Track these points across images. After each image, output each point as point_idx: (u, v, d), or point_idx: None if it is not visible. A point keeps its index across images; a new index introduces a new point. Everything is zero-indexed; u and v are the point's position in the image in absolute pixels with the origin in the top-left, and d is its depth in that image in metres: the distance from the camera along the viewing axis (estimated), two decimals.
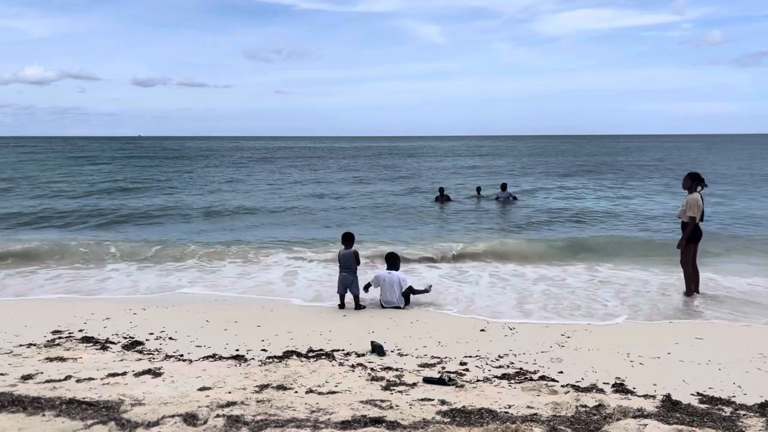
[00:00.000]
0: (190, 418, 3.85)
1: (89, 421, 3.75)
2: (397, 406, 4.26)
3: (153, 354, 6.15)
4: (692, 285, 9.03)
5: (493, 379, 5.29)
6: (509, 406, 4.34)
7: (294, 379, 5.02)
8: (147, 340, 6.79)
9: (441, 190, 22.62)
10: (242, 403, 4.23)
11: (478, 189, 23.62)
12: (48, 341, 6.59)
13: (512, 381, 5.22)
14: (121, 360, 5.80)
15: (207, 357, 6.06)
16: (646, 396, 4.81)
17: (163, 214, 19.26)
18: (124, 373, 5.11)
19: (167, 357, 6.03)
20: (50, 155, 64.03)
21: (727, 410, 4.44)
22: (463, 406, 4.25)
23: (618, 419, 3.98)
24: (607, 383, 5.23)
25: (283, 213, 19.87)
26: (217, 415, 3.91)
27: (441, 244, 13.01)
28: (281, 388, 4.73)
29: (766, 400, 4.70)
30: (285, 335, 6.99)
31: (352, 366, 5.62)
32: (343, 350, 6.35)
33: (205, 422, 3.80)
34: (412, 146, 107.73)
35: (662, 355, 6.19)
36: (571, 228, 16.25)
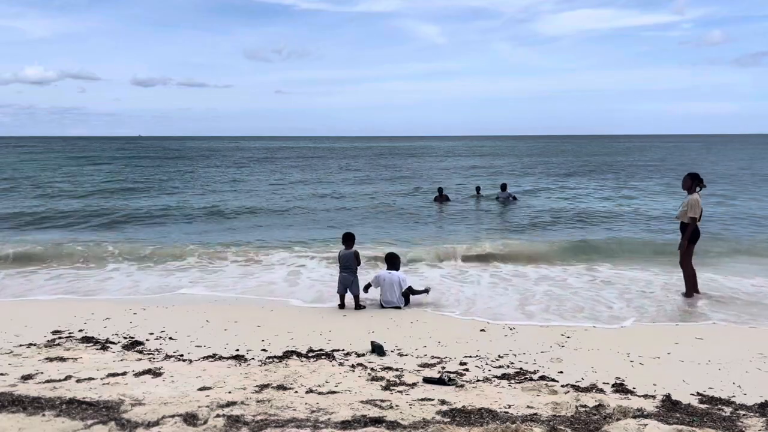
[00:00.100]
0: (190, 418, 3.85)
1: (89, 421, 3.75)
2: (397, 406, 4.26)
3: (153, 354, 6.15)
4: (692, 285, 9.02)
5: (493, 379, 5.29)
6: (509, 406, 4.34)
7: (294, 379, 5.02)
8: (147, 340, 6.79)
9: (440, 190, 22.60)
10: (242, 403, 4.23)
11: (478, 189, 23.61)
12: (48, 341, 6.59)
13: (512, 381, 5.22)
14: (121, 360, 5.80)
15: (207, 357, 6.06)
16: (646, 396, 4.81)
17: (164, 214, 19.26)
18: (124, 373, 5.11)
19: (167, 357, 6.03)
20: (50, 155, 64.06)
21: (727, 410, 4.44)
22: (463, 406, 4.25)
23: (618, 419, 3.98)
24: (607, 383, 5.23)
25: (284, 213, 19.86)
26: (217, 415, 3.92)
27: (444, 245, 12.90)
28: (281, 388, 4.73)
29: (766, 400, 4.70)
30: (285, 335, 6.99)
31: (352, 366, 5.62)
32: (343, 350, 6.35)
33: (205, 422, 3.80)
34: (412, 146, 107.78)
35: (662, 355, 6.19)
36: (572, 228, 16.24)
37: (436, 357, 6.12)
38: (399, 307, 8.46)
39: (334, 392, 4.65)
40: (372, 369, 5.54)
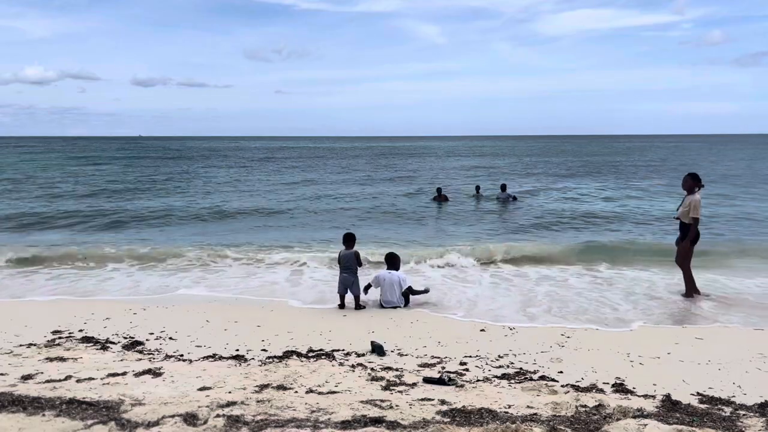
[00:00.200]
0: (190, 418, 3.86)
1: (89, 421, 3.75)
2: (397, 406, 4.26)
3: (153, 354, 6.15)
4: (691, 286, 9.00)
5: (493, 379, 5.29)
6: (509, 406, 4.34)
7: (294, 379, 5.02)
8: (147, 340, 6.79)
9: (439, 190, 22.60)
10: (242, 403, 4.23)
11: (477, 188, 23.61)
12: (48, 341, 6.59)
13: (512, 381, 5.22)
14: (121, 360, 5.80)
15: (207, 357, 6.06)
16: (646, 396, 4.81)
17: (165, 214, 19.26)
18: (124, 373, 5.11)
19: (167, 357, 6.03)
20: (51, 155, 64.07)
21: (727, 410, 4.44)
22: (463, 406, 4.25)
23: (618, 419, 3.98)
24: (607, 383, 5.23)
25: (285, 213, 19.86)
26: (217, 415, 3.92)
27: (445, 247, 12.81)
28: (281, 388, 4.73)
29: (766, 400, 4.70)
30: (285, 335, 6.99)
31: (352, 366, 5.62)
32: (343, 350, 6.35)
33: (205, 422, 3.80)
34: (412, 146, 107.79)
35: (662, 355, 6.19)
36: (573, 229, 16.23)
37: (436, 357, 6.12)
38: (399, 307, 8.45)
39: (334, 392, 4.65)
40: (372, 369, 5.53)
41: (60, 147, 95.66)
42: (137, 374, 5.09)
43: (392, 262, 8.87)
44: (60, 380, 4.83)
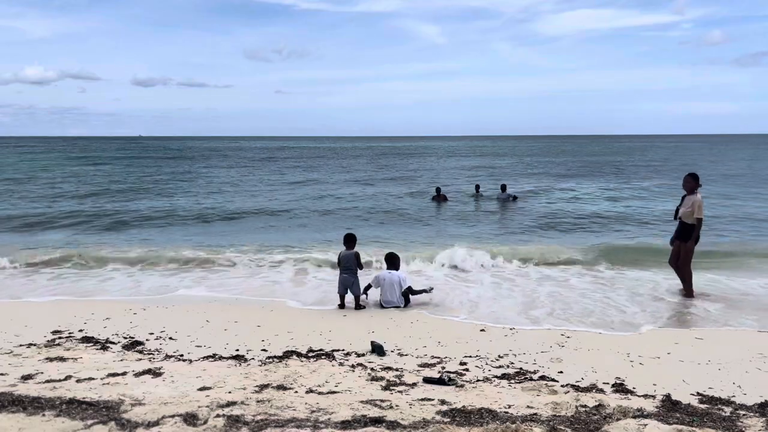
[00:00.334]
0: (190, 418, 3.86)
1: (89, 421, 3.75)
2: (397, 406, 4.26)
3: (153, 354, 6.15)
4: (689, 285, 8.98)
5: (493, 379, 5.29)
6: (509, 406, 4.34)
7: (294, 379, 5.02)
8: (147, 340, 6.79)
9: (438, 189, 22.59)
10: (242, 403, 4.23)
11: (477, 187, 23.61)
12: (48, 341, 6.59)
13: (512, 381, 5.22)
14: (121, 360, 5.80)
15: (207, 357, 6.06)
16: (646, 396, 4.81)
17: (166, 215, 19.26)
18: (124, 373, 5.11)
19: (167, 357, 6.03)
20: (51, 155, 64.09)
21: (727, 410, 4.44)
22: (463, 406, 4.25)
23: (618, 419, 3.98)
24: (607, 383, 5.23)
25: (286, 214, 19.85)
26: (217, 415, 3.92)
27: (446, 247, 12.76)
28: (281, 388, 4.73)
29: (766, 400, 4.70)
30: (285, 335, 6.99)
31: (352, 366, 5.62)
32: (343, 350, 6.35)
33: (205, 422, 3.80)
34: (412, 146, 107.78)
35: (662, 355, 6.19)
36: (574, 229, 16.23)
37: (436, 357, 6.12)
38: (399, 307, 8.45)
39: (334, 392, 4.65)
40: (372, 369, 5.53)
41: (60, 147, 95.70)
42: (137, 374, 5.09)
43: (392, 261, 8.87)
44: (60, 380, 4.83)
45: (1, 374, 5.08)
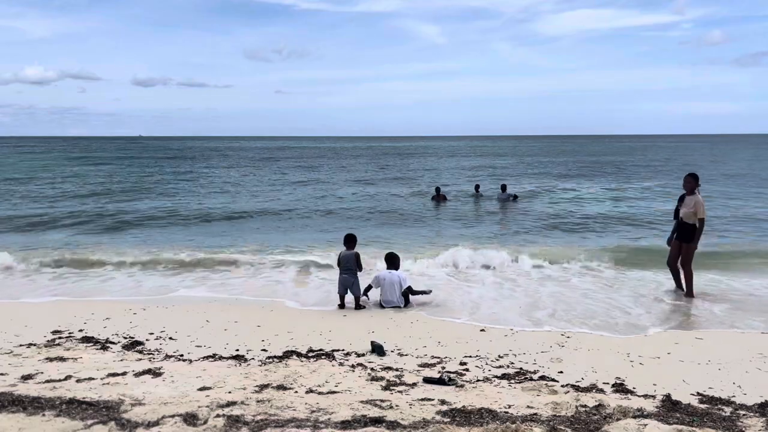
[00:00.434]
0: (190, 418, 3.86)
1: (89, 421, 3.75)
2: (397, 406, 4.26)
3: (153, 354, 6.15)
4: (689, 285, 8.96)
5: (493, 379, 5.29)
6: (509, 406, 4.34)
7: (294, 379, 5.02)
8: (147, 340, 6.79)
9: (437, 189, 22.58)
10: (242, 403, 4.23)
11: (477, 187, 23.59)
12: (48, 341, 6.60)
13: (512, 381, 5.22)
14: (121, 360, 5.81)
15: (207, 357, 6.06)
16: (646, 396, 4.81)
17: (168, 215, 19.25)
18: (124, 373, 5.11)
19: (167, 357, 6.03)
20: (51, 155, 64.12)
21: (727, 410, 4.43)
22: (463, 406, 4.25)
23: (618, 419, 3.98)
24: (607, 383, 5.23)
25: (287, 214, 19.83)
26: (217, 415, 3.92)
27: (447, 248, 12.71)
28: (281, 388, 4.73)
29: (766, 400, 4.70)
30: (285, 335, 6.99)
31: (352, 366, 5.62)
32: (343, 350, 6.35)
33: (205, 422, 3.80)
34: (413, 146, 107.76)
35: (662, 355, 6.19)
36: (575, 229, 16.20)
37: (436, 357, 6.12)
38: (399, 307, 8.45)
39: (334, 392, 4.65)
40: (372, 369, 5.53)
41: (60, 147, 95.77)
42: (137, 374, 5.09)
43: (392, 261, 8.86)
44: (60, 380, 4.83)
45: (1, 374, 5.08)
